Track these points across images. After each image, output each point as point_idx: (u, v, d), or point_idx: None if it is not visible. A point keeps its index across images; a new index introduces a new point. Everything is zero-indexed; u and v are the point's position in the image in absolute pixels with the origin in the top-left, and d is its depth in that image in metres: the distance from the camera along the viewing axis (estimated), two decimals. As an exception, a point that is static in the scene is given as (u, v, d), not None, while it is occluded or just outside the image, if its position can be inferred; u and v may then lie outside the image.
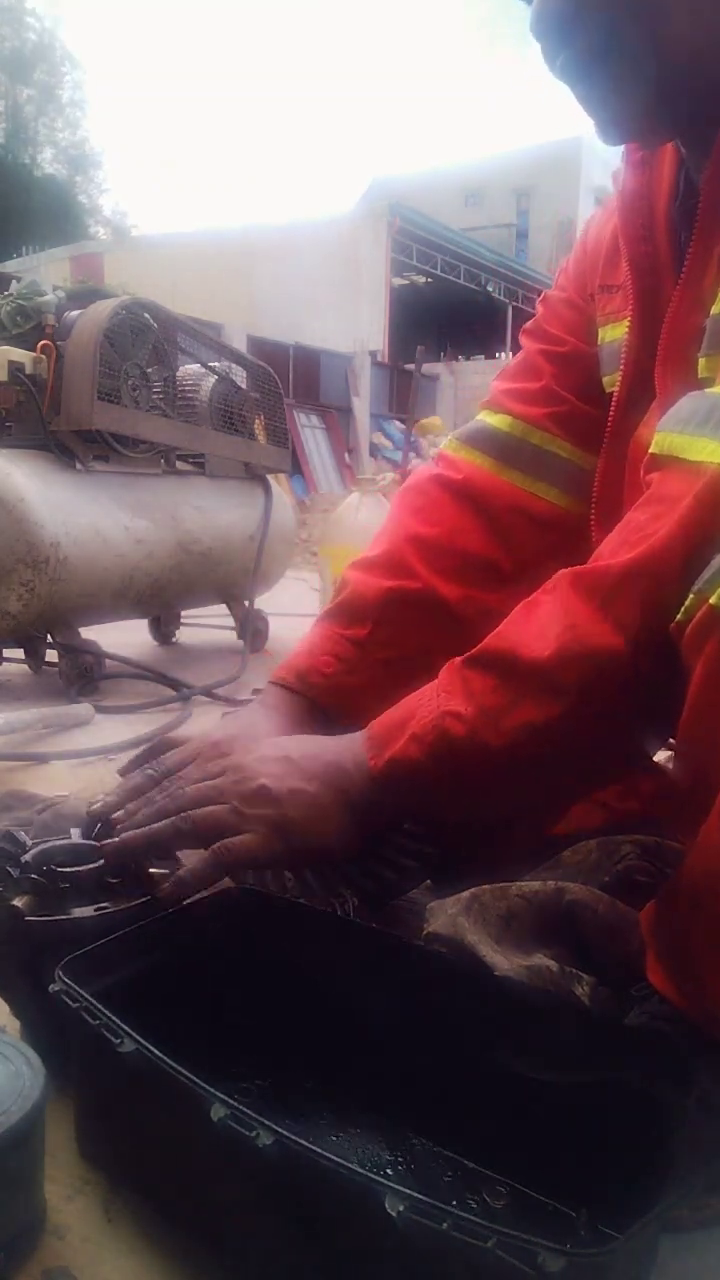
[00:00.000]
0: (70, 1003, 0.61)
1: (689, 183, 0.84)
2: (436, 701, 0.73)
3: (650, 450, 0.70)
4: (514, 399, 1.06)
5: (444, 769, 0.73)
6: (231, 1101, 0.52)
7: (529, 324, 1.10)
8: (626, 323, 0.91)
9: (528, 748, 0.70)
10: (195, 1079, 0.54)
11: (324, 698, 1.01)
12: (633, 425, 0.90)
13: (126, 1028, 0.58)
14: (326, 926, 0.80)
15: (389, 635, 1.03)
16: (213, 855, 0.77)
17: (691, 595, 0.62)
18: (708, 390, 0.67)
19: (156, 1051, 0.56)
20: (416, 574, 1.03)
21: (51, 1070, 0.64)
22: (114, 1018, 0.59)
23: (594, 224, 1.04)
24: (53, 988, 0.62)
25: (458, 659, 0.76)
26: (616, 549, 0.69)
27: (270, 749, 0.82)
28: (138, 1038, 0.57)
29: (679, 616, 0.63)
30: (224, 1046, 0.75)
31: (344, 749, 0.80)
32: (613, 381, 0.94)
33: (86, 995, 0.61)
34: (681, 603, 0.62)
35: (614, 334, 0.95)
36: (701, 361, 0.75)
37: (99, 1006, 0.60)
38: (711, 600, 0.60)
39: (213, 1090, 0.53)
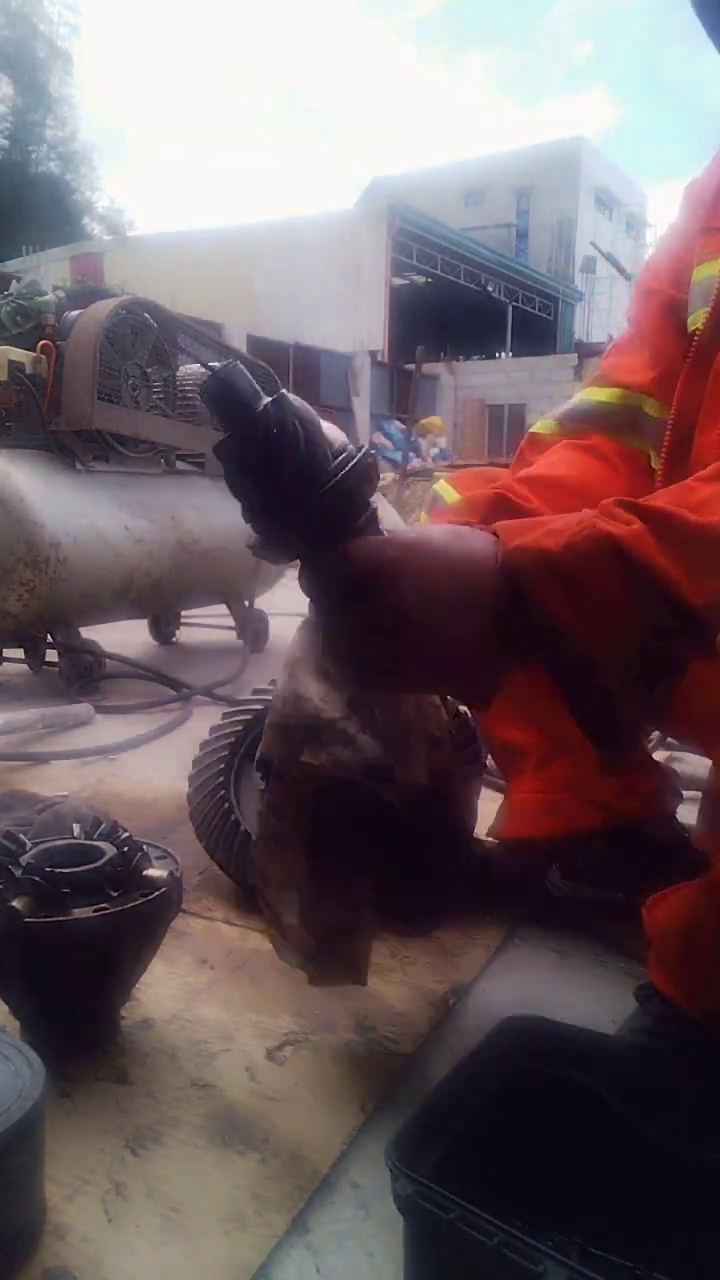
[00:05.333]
0: (440, 1212, 0.50)
1: None
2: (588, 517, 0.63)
3: None
4: (621, 371, 1.05)
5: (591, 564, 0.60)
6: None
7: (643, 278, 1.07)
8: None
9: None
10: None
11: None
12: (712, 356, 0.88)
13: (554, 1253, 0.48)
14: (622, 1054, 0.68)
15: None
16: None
17: None
18: None
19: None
20: (529, 500, 0.98)
21: (51, 1071, 0.64)
22: (532, 1242, 0.48)
23: (706, 170, 1.00)
24: (401, 1189, 0.52)
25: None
26: None
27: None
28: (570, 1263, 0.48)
29: None
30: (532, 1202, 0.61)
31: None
32: (698, 319, 0.92)
33: (482, 1212, 0.50)
34: None
35: (706, 271, 0.92)
36: None
37: (509, 1230, 0.49)
38: None
39: None
